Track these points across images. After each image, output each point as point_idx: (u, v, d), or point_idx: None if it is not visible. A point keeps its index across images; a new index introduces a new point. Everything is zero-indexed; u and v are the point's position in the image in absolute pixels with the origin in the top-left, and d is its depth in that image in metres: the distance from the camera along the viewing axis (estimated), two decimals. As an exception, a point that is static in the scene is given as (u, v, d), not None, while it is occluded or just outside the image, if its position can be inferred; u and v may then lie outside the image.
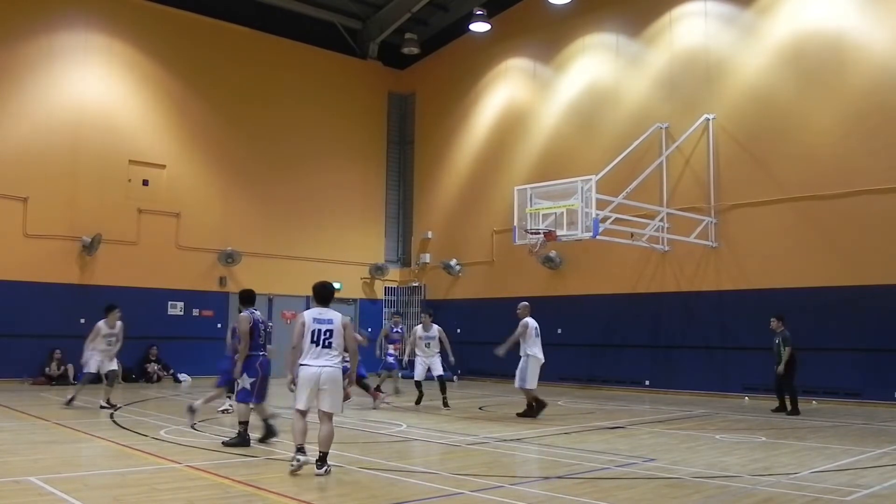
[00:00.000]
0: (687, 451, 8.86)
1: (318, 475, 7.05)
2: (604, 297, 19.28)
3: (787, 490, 6.62)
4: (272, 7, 23.17)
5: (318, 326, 7.33)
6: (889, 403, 14.38)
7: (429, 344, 14.10)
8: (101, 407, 12.63)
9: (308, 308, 8.15)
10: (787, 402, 13.45)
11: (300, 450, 7.15)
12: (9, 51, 18.67)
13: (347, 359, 7.81)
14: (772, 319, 13.87)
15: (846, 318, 15.19)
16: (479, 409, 13.95)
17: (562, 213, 14.68)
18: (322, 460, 7.14)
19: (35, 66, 18.99)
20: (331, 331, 7.33)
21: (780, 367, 13.33)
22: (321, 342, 7.29)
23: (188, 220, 20.92)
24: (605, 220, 15.13)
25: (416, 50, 24.49)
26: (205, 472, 7.18)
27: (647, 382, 18.18)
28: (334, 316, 7.44)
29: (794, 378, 13.54)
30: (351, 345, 7.58)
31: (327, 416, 7.27)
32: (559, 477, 7.24)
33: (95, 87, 19.82)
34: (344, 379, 7.51)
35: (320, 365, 7.23)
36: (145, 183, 20.51)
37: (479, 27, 22.44)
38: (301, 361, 7.29)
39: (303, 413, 7.26)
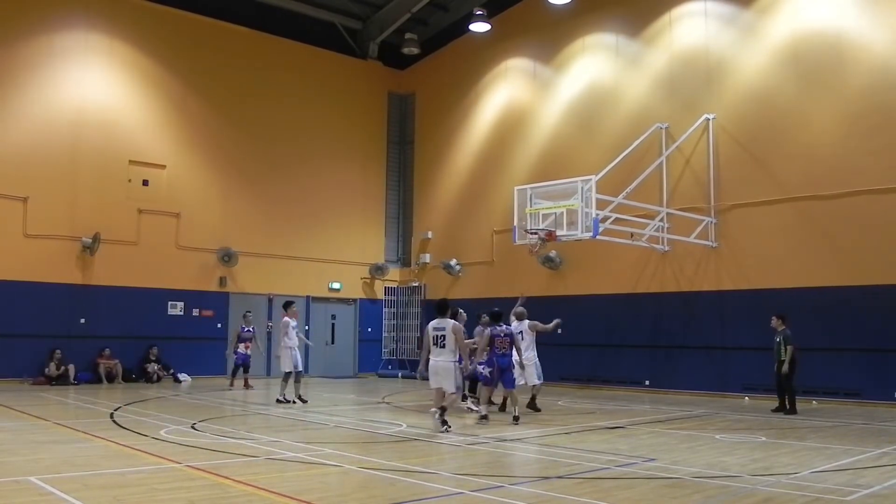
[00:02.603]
0: (687, 451, 8.86)
1: (437, 425, 10.13)
2: (604, 297, 19.27)
3: (787, 490, 6.61)
4: (272, 7, 23.16)
5: (435, 333, 10.47)
6: (889, 403, 14.38)
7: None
8: (293, 402, 13.83)
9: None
10: (787, 402, 13.45)
11: (439, 411, 10.23)
12: (9, 51, 18.67)
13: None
14: (773, 318, 13.84)
15: (846, 318, 15.18)
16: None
17: (562, 213, 14.68)
18: (441, 414, 10.19)
19: (35, 66, 18.99)
20: (444, 336, 10.38)
21: (785, 367, 13.28)
22: (438, 343, 10.43)
23: (188, 220, 20.92)
24: (605, 220, 15.13)
25: (416, 50, 24.49)
26: (205, 472, 7.17)
27: (647, 382, 18.18)
28: (447, 324, 10.45)
29: (794, 377, 13.53)
30: (459, 344, 10.43)
31: (449, 391, 10.44)
32: (559, 477, 7.23)
33: (95, 87, 19.82)
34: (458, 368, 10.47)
35: (437, 360, 10.43)
36: (145, 183, 20.51)
37: (478, 27, 22.43)
38: (430, 357, 10.54)
39: (435, 390, 10.55)
